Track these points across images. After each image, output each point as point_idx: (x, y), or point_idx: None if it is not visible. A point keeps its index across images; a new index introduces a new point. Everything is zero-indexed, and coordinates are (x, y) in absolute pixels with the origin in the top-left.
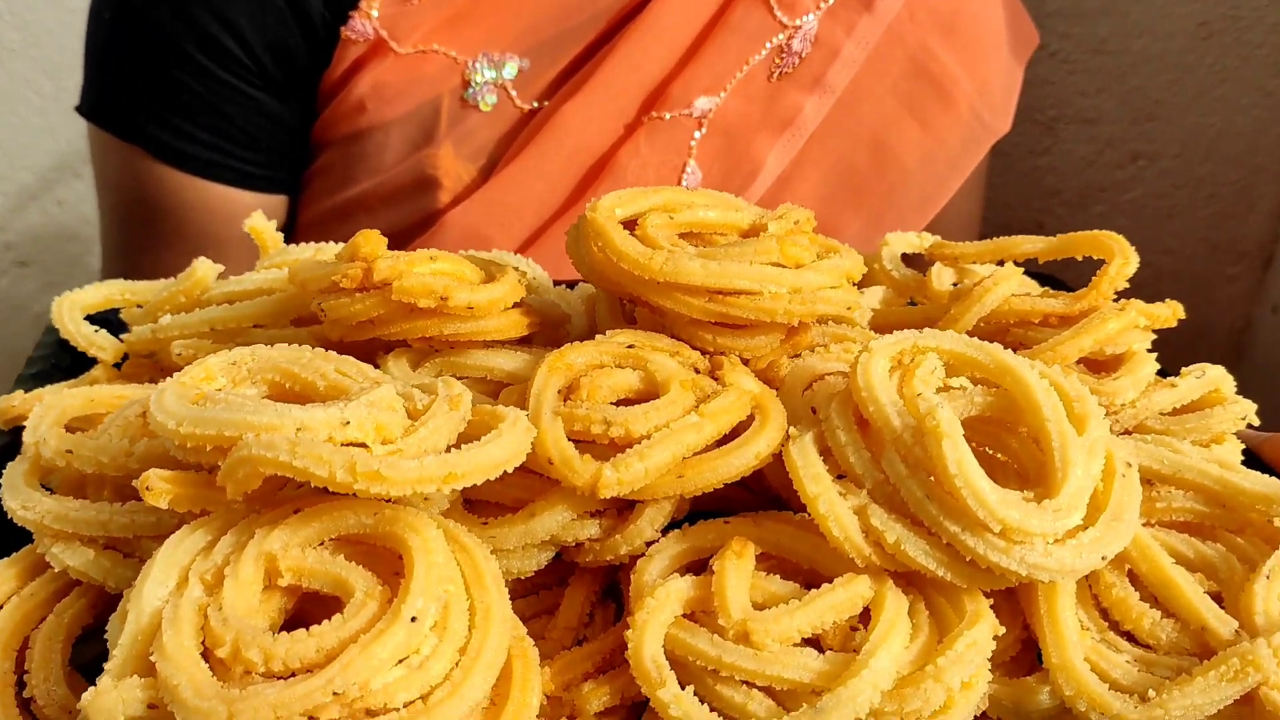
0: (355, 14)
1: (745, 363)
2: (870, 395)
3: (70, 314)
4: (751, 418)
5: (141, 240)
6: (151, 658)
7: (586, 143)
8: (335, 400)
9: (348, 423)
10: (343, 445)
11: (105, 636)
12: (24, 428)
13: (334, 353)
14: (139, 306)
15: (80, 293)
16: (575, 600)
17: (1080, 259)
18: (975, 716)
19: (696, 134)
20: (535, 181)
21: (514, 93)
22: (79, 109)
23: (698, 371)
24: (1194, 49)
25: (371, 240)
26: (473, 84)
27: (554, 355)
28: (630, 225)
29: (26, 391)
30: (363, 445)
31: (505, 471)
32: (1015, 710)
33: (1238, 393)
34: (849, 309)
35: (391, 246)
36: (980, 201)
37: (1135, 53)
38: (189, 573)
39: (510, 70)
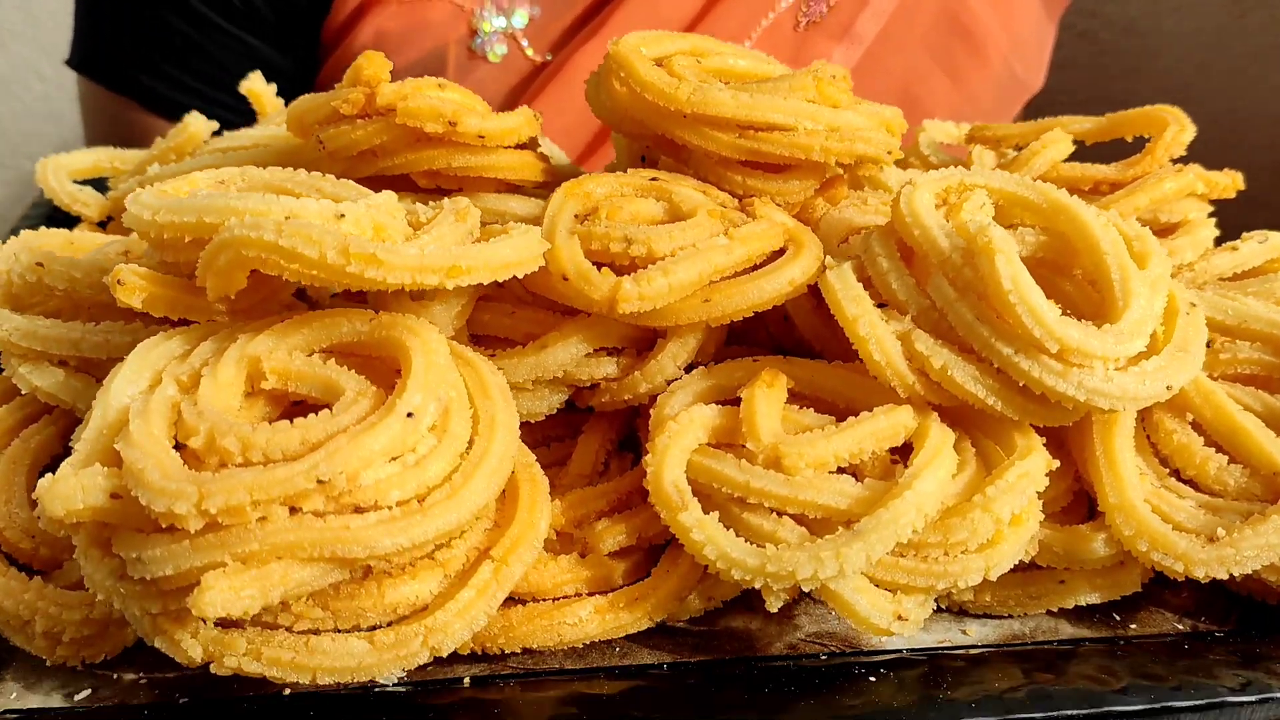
0: None
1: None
2: (915, 220)
3: (55, 174)
4: (783, 250)
5: None
6: (116, 446)
7: None
8: None
9: (343, 216)
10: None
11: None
12: None
13: (332, 176)
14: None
15: (67, 156)
16: (589, 446)
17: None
18: (1023, 562)
19: None
20: (548, 137)
21: (524, 42)
22: (68, 62)
23: (725, 207)
24: (1227, 28)
25: (375, 62)
26: (481, 33)
27: (571, 182)
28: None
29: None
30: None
31: (516, 277)
32: (1067, 557)
33: None
34: (889, 153)
35: None
36: None
37: (1166, 33)
38: (163, 374)
39: (520, 18)
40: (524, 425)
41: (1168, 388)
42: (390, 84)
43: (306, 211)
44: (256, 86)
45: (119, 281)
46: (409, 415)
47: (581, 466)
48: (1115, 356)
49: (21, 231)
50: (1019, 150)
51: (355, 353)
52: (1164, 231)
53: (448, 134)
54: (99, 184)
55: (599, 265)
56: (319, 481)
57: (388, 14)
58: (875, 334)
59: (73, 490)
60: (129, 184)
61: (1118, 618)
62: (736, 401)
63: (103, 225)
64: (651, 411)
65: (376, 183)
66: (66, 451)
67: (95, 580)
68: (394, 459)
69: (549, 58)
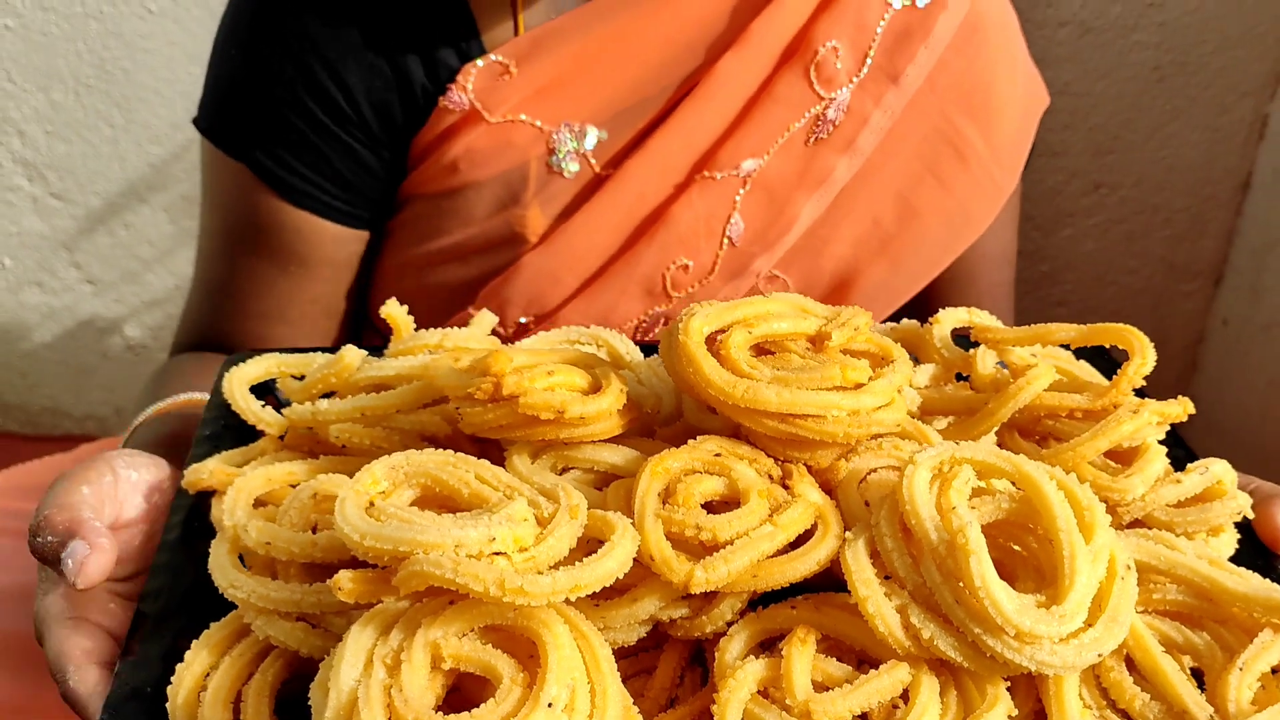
0: (453, 86)
1: (809, 468)
2: (913, 509)
3: (239, 389)
4: (815, 526)
5: (238, 247)
6: None
7: (645, 198)
8: (477, 508)
9: (494, 539)
10: (490, 555)
11: (308, 701)
12: (208, 493)
13: (473, 458)
14: (294, 377)
15: (244, 367)
16: (669, 666)
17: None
18: None
19: (741, 191)
20: (598, 233)
21: (593, 161)
22: (196, 123)
23: (771, 479)
24: (1149, 91)
25: (500, 360)
26: (557, 152)
27: (654, 461)
28: (713, 336)
29: (201, 452)
30: (504, 554)
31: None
32: None
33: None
34: (897, 426)
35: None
36: (1014, 233)
37: (1097, 94)
38: (373, 656)
39: (591, 140)
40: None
41: (1099, 655)
42: (511, 376)
43: (469, 541)
44: (395, 313)
45: (339, 588)
46: (549, 705)
47: (663, 682)
48: (1059, 634)
49: (236, 484)
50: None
51: (502, 630)
52: (1127, 455)
53: (557, 418)
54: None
55: (675, 538)
56: None
57: (477, 133)
58: (880, 611)
59: None
60: (304, 411)
61: None
62: (780, 638)
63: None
64: (715, 654)
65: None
66: (291, 678)
67: None
68: None
69: (609, 171)
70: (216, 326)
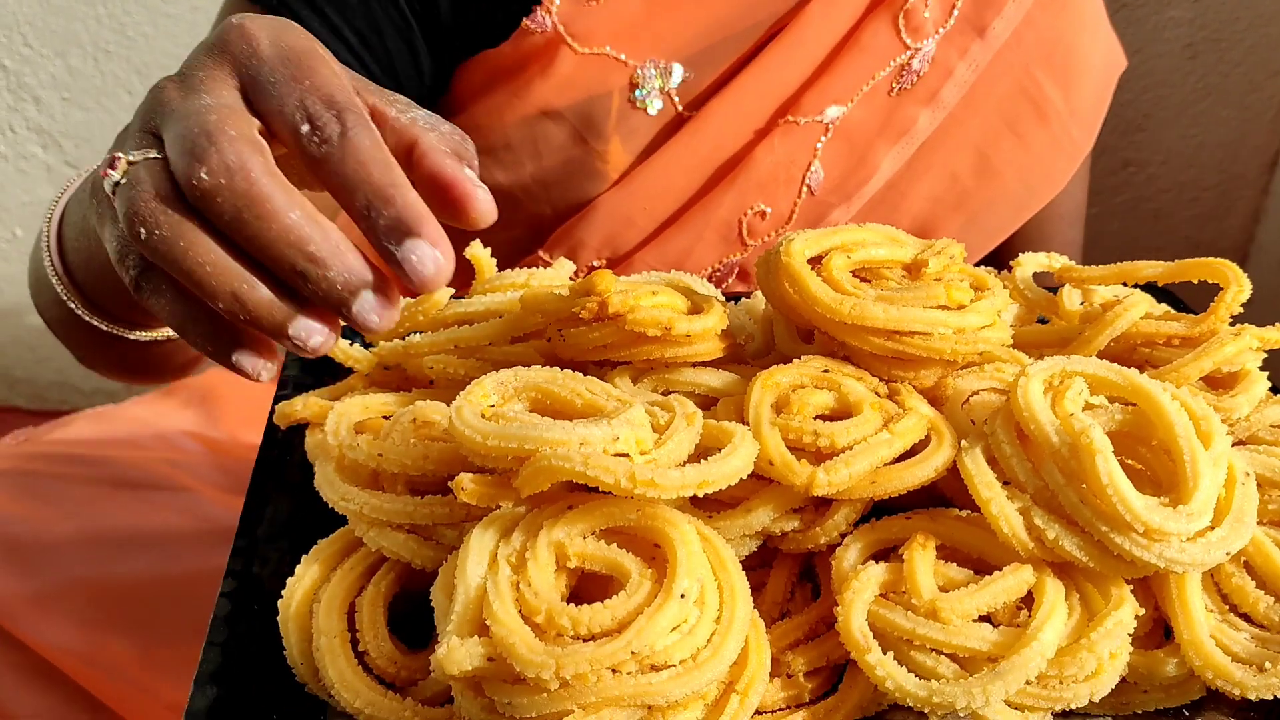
0: (538, 7)
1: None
2: (1031, 415)
3: None
4: (928, 437)
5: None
6: (485, 621)
7: (726, 141)
8: (593, 416)
9: (617, 438)
10: (613, 455)
11: (430, 603)
12: (300, 426)
13: (579, 374)
14: None
15: None
16: (780, 580)
17: (1196, 282)
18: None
19: (823, 138)
20: (676, 174)
21: (677, 99)
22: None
23: (879, 395)
24: (1180, 68)
25: (606, 279)
26: (642, 87)
27: (764, 375)
28: (814, 260)
29: (286, 394)
30: (625, 455)
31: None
32: (1149, 677)
33: None
34: (1001, 345)
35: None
36: (1085, 192)
37: (1129, 71)
38: (496, 556)
39: (676, 78)
40: None
41: (1226, 554)
42: (618, 294)
43: (593, 438)
44: (479, 254)
45: (462, 488)
46: (681, 596)
47: (775, 596)
48: (1187, 533)
49: (337, 409)
50: (1102, 299)
51: (624, 533)
52: (1226, 380)
53: (664, 335)
54: None
55: (793, 448)
56: (633, 653)
57: (560, 60)
58: (1004, 511)
59: (462, 658)
60: (395, 345)
61: (1187, 714)
62: (894, 550)
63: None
64: (832, 562)
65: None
66: (403, 591)
67: (469, 712)
68: (674, 629)
69: (691, 113)
70: None
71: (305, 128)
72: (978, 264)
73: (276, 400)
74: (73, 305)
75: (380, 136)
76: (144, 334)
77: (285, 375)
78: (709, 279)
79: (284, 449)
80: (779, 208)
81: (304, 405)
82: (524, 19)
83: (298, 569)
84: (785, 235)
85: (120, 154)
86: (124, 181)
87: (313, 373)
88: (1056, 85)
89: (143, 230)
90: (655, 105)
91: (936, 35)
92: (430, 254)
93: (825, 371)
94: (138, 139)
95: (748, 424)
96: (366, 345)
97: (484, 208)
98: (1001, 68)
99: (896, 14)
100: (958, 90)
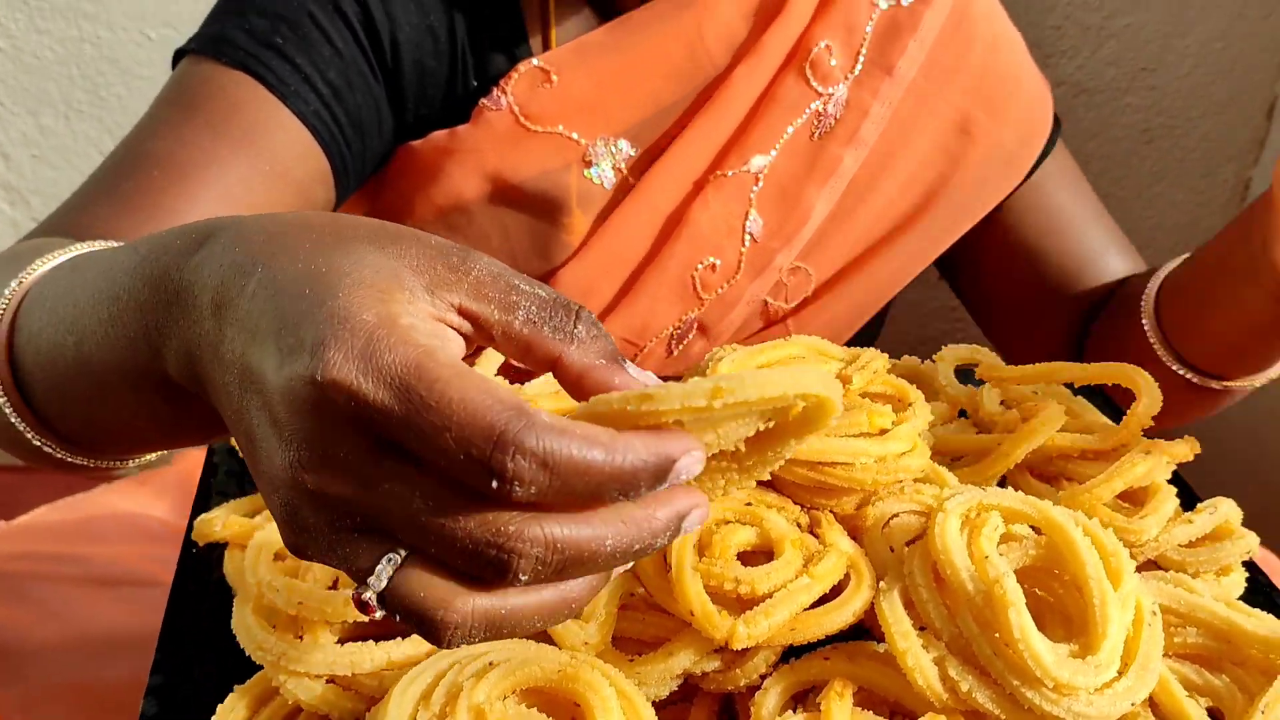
0: (495, 88)
1: (834, 514)
2: (948, 559)
3: None
4: (847, 575)
5: (191, 122)
6: None
7: (664, 203)
8: None
9: None
10: None
11: None
12: (219, 545)
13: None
14: None
15: None
16: (700, 719)
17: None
18: None
19: (755, 188)
20: (627, 239)
21: (626, 172)
22: (182, 49)
23: (800, 527)
24: (1137, 151)
25: None
26: (595, 164)
27: None
28: None
29: (214, 502)
30: None
31: (646, 592)
32: None
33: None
34: (921, 472)
35: None
36: (1087, 196)
37: (1087, 153)
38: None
39: (624, 152)
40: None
41: (1132, 704)
42: None
43: None
44: None
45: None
46: None
47: None
48: (1095, 685)
49: (256, 539)
50: (1021, 402)
51: (544, 692)
52: (1137, 495)
53: None
54: None
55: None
56: None
57: (516, 139)
58: (919, 664)
59: None
60: None
61: None
62: (812, 691)
63: None
64: (751, 708)
65: None
66: None
67: None
68: None
69: (635, 180)
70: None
71: (495, 483)
72: (941, 262)
73: (195, 512)
74: (16, 422)
75: (562, 423)
76: (113, 462)
77: (207, 481)
78: (670, 339)
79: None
80: (726, 259)
81: (223, 525)
82: (481, 99)
83: (220, 709)
84: (712, 353)
85: (364, 590)
86: (393, 595)
87: (237, 478)
88: (979, 107)
89: (464, 640)
90: (609, 180)
91: (846, 80)
92: (691, 461)
93: (748, 505)
94: (354, 552)
95: (669, 566)
96: None
97: None
98: (918, 100)
99: (803, 65)
100: (876, 127)
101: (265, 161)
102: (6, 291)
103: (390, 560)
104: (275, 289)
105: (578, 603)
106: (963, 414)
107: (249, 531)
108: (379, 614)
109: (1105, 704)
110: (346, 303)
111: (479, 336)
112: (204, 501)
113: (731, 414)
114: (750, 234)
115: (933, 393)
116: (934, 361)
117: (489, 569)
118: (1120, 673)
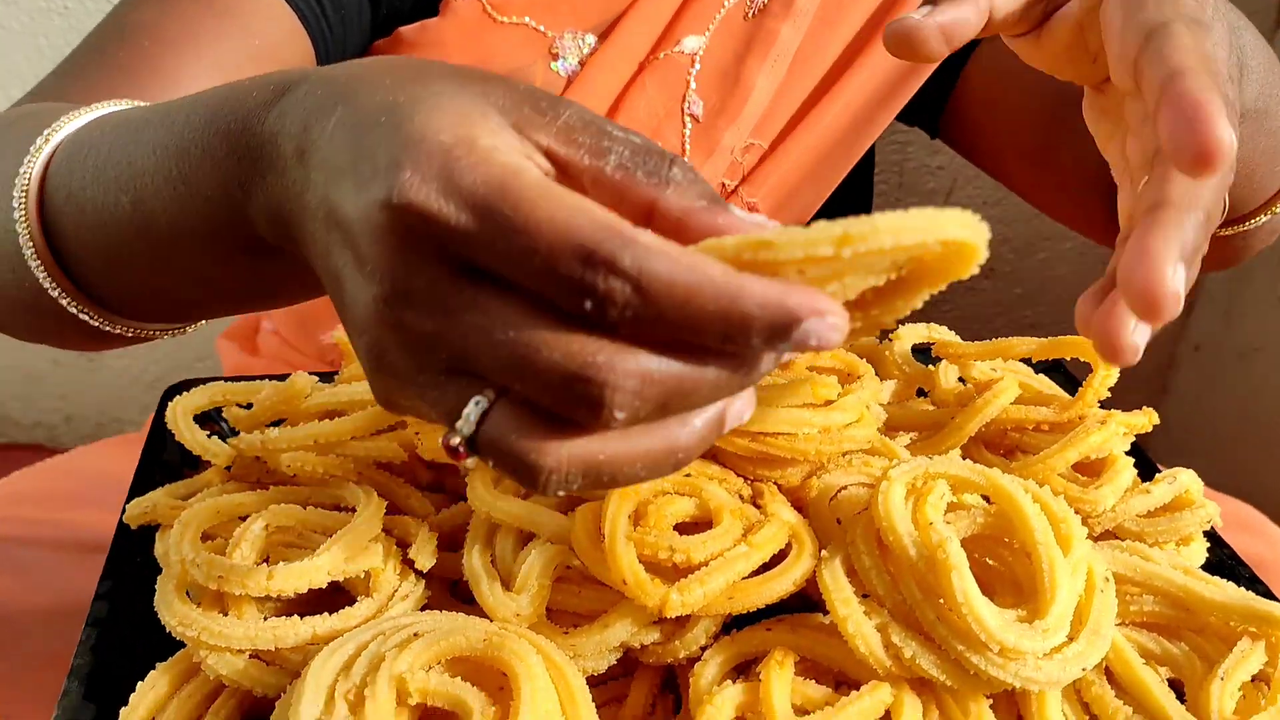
0: None
1: (779, 487)
2: (890, 526)
3: (183, 419)
4: (790, 545)
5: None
6: None
7: (608, 90)
8: None
9: None
10: None
11: None
12: (153, 526)
13: None
14: (241, 405)
15: (188, 397)
16: (640, 693)
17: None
18: None
19: (692, 70)
20: None
21: (586, 63)
22: None
23: (742, 498)
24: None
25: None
26: (562, 57)
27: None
28: None
29: (142, 486)
30: None
31: (582, 565)
32: None
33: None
34: (867, 443)
35: None
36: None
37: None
38: (334, 693)
39: (588, 46)
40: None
41: (1083, 669)
42: None
43: None
44: (342, 338)
45: None
46: None
47: (635, 711)
48: (1043, 649)
49: (183, 518)
50: (977, 376)
51: (470, 661)
52: (1094, 466)
53: None
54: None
55: (647, 562)
56: None
57: (484, 30)
58: (861, 631)
59: None
60: (253, 440)
61: None
62: (756, 661)
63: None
64: (690, 680)
65: None
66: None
67: None
68: None
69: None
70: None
71: (588, 304)
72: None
73: (130, 495)
74: (50, 287)
75: (664, 244)
76: (155, 329)
77: (148, 446)
78: None
79: (133, 548)
80: (668, 142)
81: (154, 506)
82: None
83: (132, 698)
84: None
85: (452, 436)
86: (484, 440)
87: (168, 468)
88: None
89: (561, 486)
90: (574, 73)
91: None
92: (822, 326)
93: (687, 475)
94: (443, 395)
95: (604, 537)
96: (225, 438)
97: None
98: None
99: None
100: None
101: (255, 36)
102: (32, 149)
103: (478, 402)
104: (353, 123)
105: (685, 452)
106: (921, 393)
107: (179, 513)
108: (470, 461)
109: (1055, 669)
110: (424, 124)
111: (566, 184)
112: (142, 486)
113: (860, 264)
114: (692, 115)
115: (888, 373)
116: (890, 340)
117: (581, 406)
118: (1071, 638)
